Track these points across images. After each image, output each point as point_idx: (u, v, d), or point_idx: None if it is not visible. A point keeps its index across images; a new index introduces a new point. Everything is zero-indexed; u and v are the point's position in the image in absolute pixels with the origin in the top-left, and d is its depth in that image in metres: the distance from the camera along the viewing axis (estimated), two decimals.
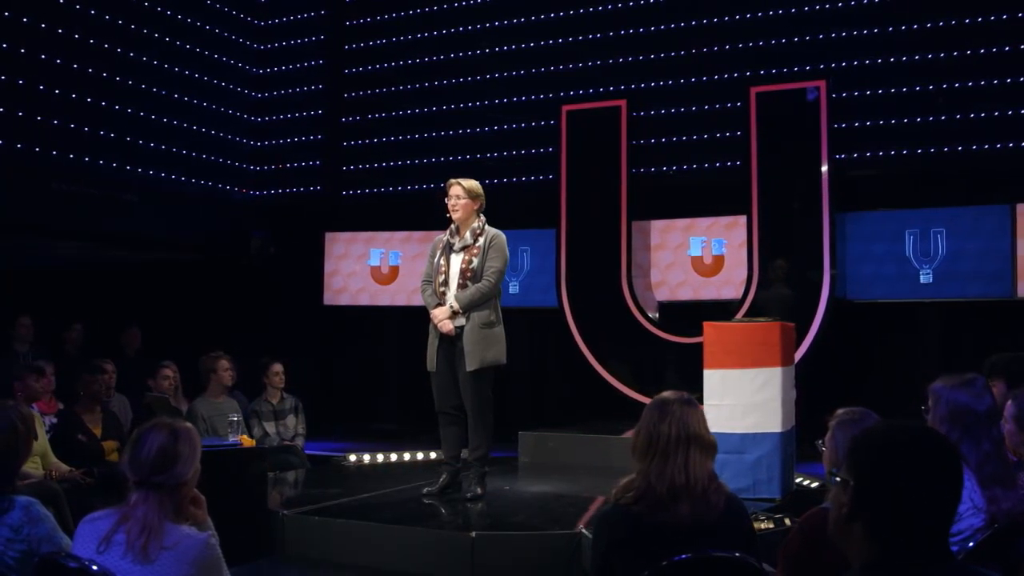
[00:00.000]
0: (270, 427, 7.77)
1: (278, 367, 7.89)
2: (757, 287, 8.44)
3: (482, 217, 5.95)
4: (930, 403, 3.67)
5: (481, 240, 5.84)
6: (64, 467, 5.99)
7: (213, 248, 10.31)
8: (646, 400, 8.54)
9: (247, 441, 5.46)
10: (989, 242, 7.94)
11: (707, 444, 3.04)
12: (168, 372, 7.29)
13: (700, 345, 8.48)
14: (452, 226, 5.95)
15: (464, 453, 5.92)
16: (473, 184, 5.94)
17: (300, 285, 10.42)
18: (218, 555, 2.95)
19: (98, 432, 6.52)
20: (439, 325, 5.77)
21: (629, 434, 7.41)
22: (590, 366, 8.86)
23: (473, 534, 4.71)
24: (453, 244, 5.90)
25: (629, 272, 8.87)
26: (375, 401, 10.52)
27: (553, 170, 9.29)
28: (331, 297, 10.41)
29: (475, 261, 5.77)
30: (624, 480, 3.07)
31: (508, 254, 5.95)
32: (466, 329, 5.71)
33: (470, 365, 5.65)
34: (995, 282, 7.92)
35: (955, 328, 8.35)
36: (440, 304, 5.82)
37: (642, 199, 8.98)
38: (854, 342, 8.50)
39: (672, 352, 8.68)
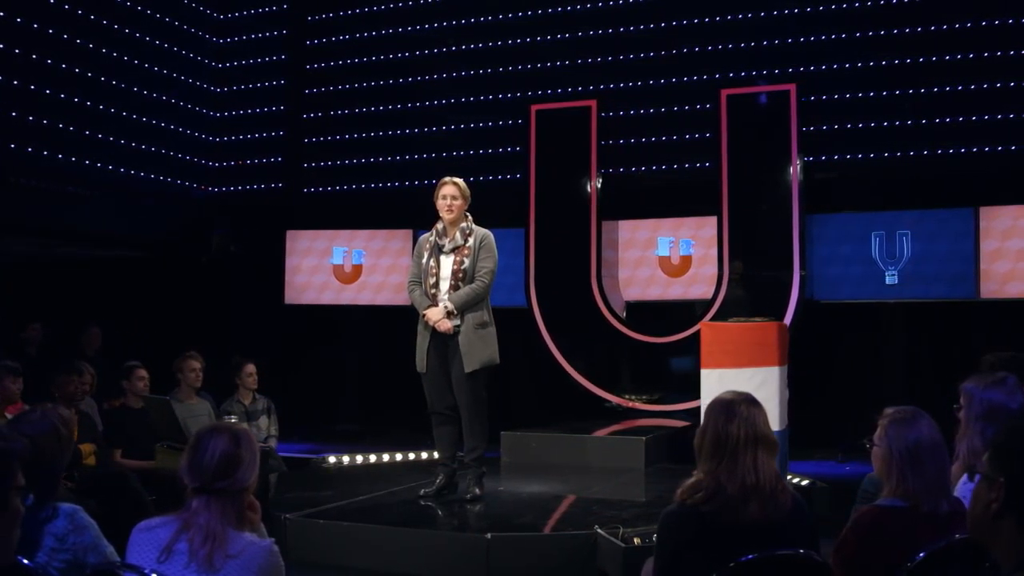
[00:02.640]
0: None
1: (251, 368, 7.72)
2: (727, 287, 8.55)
3: (469, 216, 5.92)
4: (962, 402, 3.76)
5: (471, 240, 5.80)
6: None
7: (173, 246, 10.07)
8: (614, 399, 8.66)
9: None
10: (953, 244, 8.16)
11: (772, 443, 3.06)
12: (143, 373, 7.05)
13: (669, 344, 8.71)
14: (439, 226, 5.88)
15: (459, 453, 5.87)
16: (464, 183, 5.91)
17: (261, 284, 10.24)
18: (281, 563, 2.88)
19: (74, 435, 6.27)
20: (438, 324, 5.68)
21: (600, 433, 7.52)
22: (557, 366, 8.87)
23: (488, 536, 4.68)
24: (443, 245, 5.83)
25: (599, 272, 8.90)
26: (337, 401, 10.39)
27: (519, 169, 9.27)
28: (293, 296, 10.24)
29: (467, 262, 5.73)
30: (690, 480, 3.07)
31: (498, 253, 5.92)
32: (461, 330, 5.67)
33: (468, 367, 5.61)
34: (959, 283, 8.14)
35: (920, 328, 8.57)
36: (432, 305, 5.75)
37: (611, 199, 9.02)
38: (821, 342, 8.66)
39: (641, 352, 8.75)
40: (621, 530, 4.60)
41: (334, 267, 10.19)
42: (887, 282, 8.41)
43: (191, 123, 10.71)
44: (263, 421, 7.74)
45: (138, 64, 9.93)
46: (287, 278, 10.21)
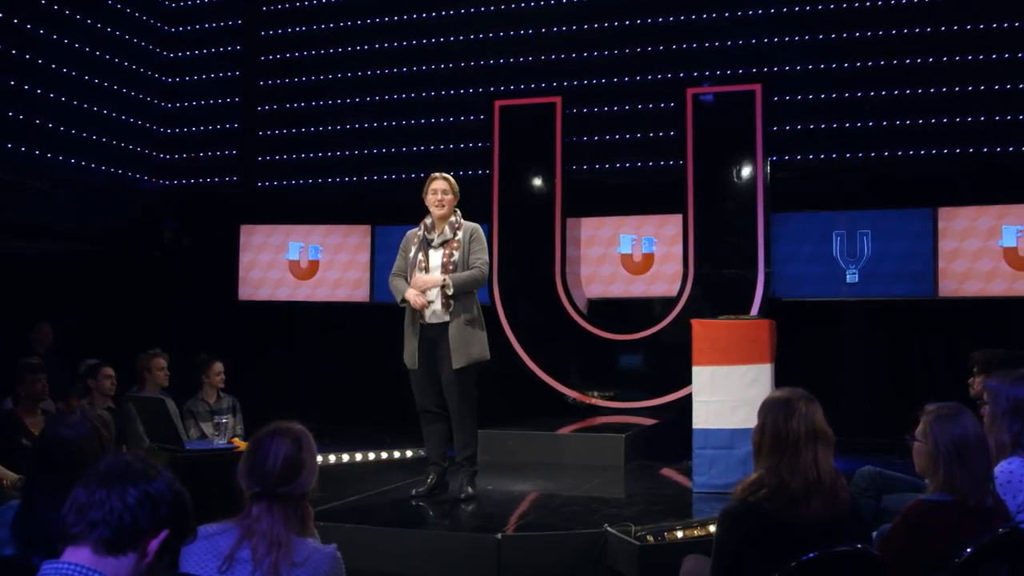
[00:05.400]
0: (208, 428, 7.37)
1: (219, 366, 7.50)
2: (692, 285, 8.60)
3: (458, 211, 5.86)
4: (986, 399, 3.85)
5: (460, 234, 5.76)
6: (12, 475, 5.50)
7: (123, 240, 9.74)
8: (577, 395, 8.64)
9: (242, 444, 5.14)
10: (912, 244, 8.34)
11: (830, 439, 3.09)
12: (109, 371, 6.81)
13: (634, 342, 8.74)
14: (427, 221, 5.82)
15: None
16: (453, 179, 5.84)
17: (214, 279, 10.00)
18: (344, 569, 2.79)
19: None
20: (413, 301, 5.56)
21: (557, 430, 7.51)
22: (520, 362, 8.82)
23: (499, 535, 4.61)
24: (431, 240, 5.76)
25: (563, 270, 8.89)
26: (293, 400, 10.15)
27: (482, 165, 9.19)
28: (247, 292, 10.02)
29: (456, 255, 5.68)
30: (751, 478, 3.07)
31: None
32: (451, 326, 5.59)
33: (457, 363, 5.54)
34: (917, 282, 8.33)
35: (879, 325, 8.74)
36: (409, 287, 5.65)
37: (574, 196, 9.00)
38: (782, 339, 8.74)
39: (605, 349, 8.76)
40: (633, 528, 4.59)
41: (290, 263, 10.00)
42: (848, 280, 8.56)
43: (142, 114, 10.37)
44: (228, 420, 7.52)
45: (88, 52, 9.57)
46: (241, 274, 9.99)
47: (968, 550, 3.07)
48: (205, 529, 2.72)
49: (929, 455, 3.24)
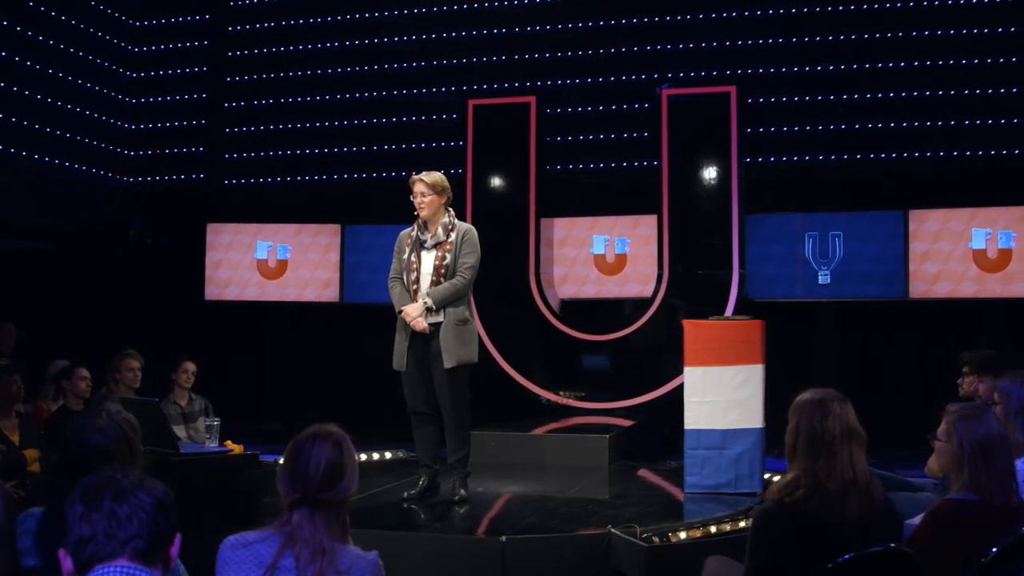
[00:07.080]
0: (180, 431, 7.21)
1: (190, 365, 7.35)
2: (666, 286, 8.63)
3: (451, 211, 5.78)
4: (997, 399, 3.90)
5: (453, 235, 5.67)
6: None
7: (87, 237, 9.51)
8: (551, 396, 8.61)
9: (236, 447, 5.03)
10: (884, 246, 8.46)
11: (863, 439, 3.12)
12: (85, 373, 6.63)
13: (610, 342, 8.74)
14: (420, 221, 5.73)
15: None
16: (437, 178, 5.72)
17: (180, 278, 9.80)
18: None
19: (16, 440, 5.86)
20: (413, 323, 5.53)
21: (539, 431, 7.48)
22: (495, 364, 8.77)
23: (503, 538, 4.57)
24: (424, 241, 5.68)
25: (537, 270, 8.87)
26: (262, 400, 10.01)
27: (455, 165, 9.11)
28: (214, 292, 9.85)
29: (448, 257, 5.61)
30: (786, 478, 3.08)
31: (480, 249, 5.81)
32: (442, 327, 5.54)
33: (447, 363, 5.48)
34: (889, 283, 8.45)
35: (851, 326, 8.84)
36: (412, 302, 5.60)
37: (547, 196, 8.98)
38: None
39: (580, 349, 8.76)
40: (638, 529, 4.58)
41: (258, 262, 9.85)
42: (820, 282, 8.65)
43: (106, 109, 10.13)
44: (201, 423, 7.37)
45: (52, 45, 9.31)
46: (208, 273, 9.82)
47: (994, 550, 3.10)
48: (244, 537, 2.65)
49: (954, 455, 3.27)
